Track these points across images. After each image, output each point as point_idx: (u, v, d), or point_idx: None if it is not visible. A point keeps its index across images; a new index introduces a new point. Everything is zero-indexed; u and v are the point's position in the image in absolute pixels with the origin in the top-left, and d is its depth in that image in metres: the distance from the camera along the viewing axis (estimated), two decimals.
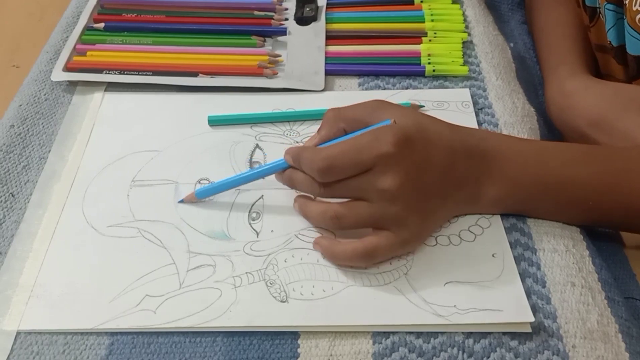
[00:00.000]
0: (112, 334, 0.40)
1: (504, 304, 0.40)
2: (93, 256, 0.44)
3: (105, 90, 0.56)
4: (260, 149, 0.51)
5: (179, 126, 0.53)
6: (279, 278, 0.42)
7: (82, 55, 0.59)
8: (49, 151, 0.51)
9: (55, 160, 0.50)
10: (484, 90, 0.57)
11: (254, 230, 0.45)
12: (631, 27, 0.50)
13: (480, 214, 0.45)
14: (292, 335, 0.39)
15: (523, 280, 0.42)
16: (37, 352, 0.39)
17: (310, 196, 0.44)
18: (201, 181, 0.49)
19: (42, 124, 0.53)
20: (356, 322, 0.39)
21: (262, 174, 0.45)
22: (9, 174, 0.49)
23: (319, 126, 0.52)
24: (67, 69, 0.57)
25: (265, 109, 0.54)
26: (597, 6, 0.53)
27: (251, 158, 0.50)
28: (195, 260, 0.43)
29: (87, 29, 0.61)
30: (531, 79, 0.63)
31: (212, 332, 0.40)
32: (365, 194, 0.40)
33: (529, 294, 0.41)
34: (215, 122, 0.53)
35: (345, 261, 0.41)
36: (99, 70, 0.57)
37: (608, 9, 0.51)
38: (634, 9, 0.49)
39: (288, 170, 0.44)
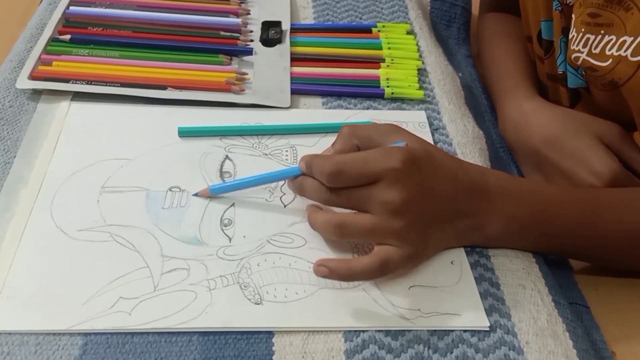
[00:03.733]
0: (86, 334, 0.39)
1: (463, 308, 0.43)
2: (64, 259, 0.43)
3: (71, 100, 0.57)
4: (230, 160, 0.53)
5: (149, 136, 0.54)
6: (253, 281, 0.43)
7: (48, 65, 0.59)
8: (14, 156, 0.50)
9: (22, 166, 0.50)
10: (438, 113, 0.61)
11: (227, 235, 0.46)
12: (569, 64, 0.56)
13: (478, 247, 0.47)
14: (266, 334, 0.41)
15: (480, 284, 0.45)
16: (8, 352, 0.38)
17: (320, 207, 0.46)
18: (172, 189, 0.49)
19: (6, 129, 0.53)
20: (328, 324, 0.41)
21: (276, 178, 0.48)
22: None
23: (286, 139, 0.55)
24: (32, 77, 0.57)
25: (234, 123, 0.56)
26: (553, 39, 0.59)
27: (221, 168, 0.52)
28: (169, 264, 0.44)
29: (53, 40, 0.61)
30: (478, 106, 0.68)
31: (188, 332, 0.40)
32: (370, 206, 0.42)
33: (485, 296, 0.44)
34: (186, 133, 0.54)
35: (363, 277, 0.42)
36: (65, 80, 0.57)
37: (562, 41, 0.57)
38: (572, 47, 0.54)
39: (299, 177, 0.45)
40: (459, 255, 0.47)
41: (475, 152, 0.57)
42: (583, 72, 0.56)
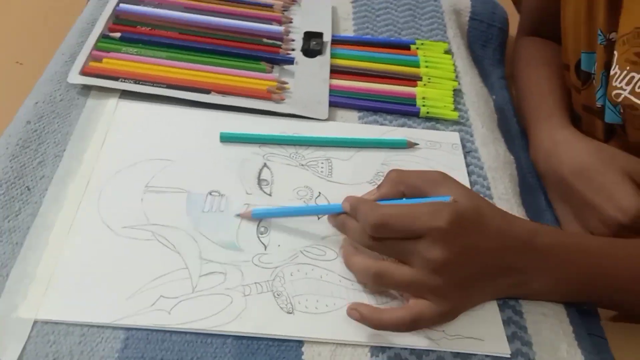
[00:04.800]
0: (128, 329, 0.42)
1: (486, 334, 0.45)
2: (109, 254, 0.46)
3: (119, 98, 0.59)
4: (268, 168, 0.55)
5: (191, 139, 0.56)
6: (286, 290, 0.45)
7: (98, 62, 0.61)
8: (64, 150, 0.53)
9: (70, 160, 0.52)
10: (471, 136, 0.62)
11: (262, 243, 0.48)
12: (608, 100, 0.57)
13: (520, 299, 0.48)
14: (297, 343, 0.43)
15: (503, 310, 0.47)
16: (54, 341, 0.40)
17: (356, 246, 0.46)
18: (212, 193, 0.52)
19: (57, 122, 0.55)
20: (356, 338, 0.43)
21: (318, 212, 0.49)
22: (25, 168, 0.50)
23: (323, 151, 0.57)
24: (83, 72, 0.59)
25: (272, 131, 0.58)
26: (593, 72, 0.60)
27: (259, 176, 0.54)
28: (207, 267, 0.46)
29: (103, 36, 0.64)
30: (509, 129, 0.69)
31: (223, 334, 0.42)
32: (411, 259, 0.42)
33: (508, 323, 0.46)
34: (227, 138, 0.56)
35: (392, 329, 0.42)
36: (114, 78, 0.59)
37: (604, 75, 0.58)
38: (613, 84, 0.56)
39: (342, 216, 0.46)
40: None
41: (506, 177, 0.58)
42: (622, 110, 0.57)
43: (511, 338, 0.45)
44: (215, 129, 0.57)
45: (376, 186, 0.48)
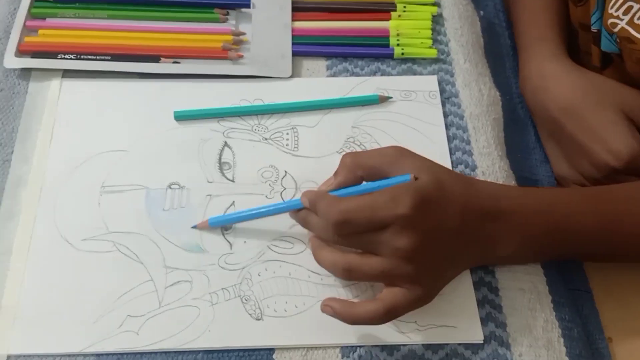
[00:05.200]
0: (99, 354, 0.42)
1: (459, 320, 0.44)
2: (71, 273, 0.45)
3: (62, 77, 0.54)
4: (229, 147, 0.51)
5: (144, 120, 0.52)
6: (254, 294, 0.45)
7: (34, 35, 0.55)
8: (12, 152, 0.50)
9: (20, 164, 0.49)
10: (452, 76, 0.57)
11: (227, 241, 0.47)
12: (604, 27, 0.50)
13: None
14: (267, 351, 0.43)
15: (478, 289, 0.46)
16: None
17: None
18: (172, 186, 0.49)
19: (1, 120, 0.51)
20: (326, 341, 0.43)
21: (277, 212, 0.45)
22: None
23: (287, 119, 0.53)
24: (20, 52, 0.54)
25: (231, 99, 0.53)
26: None
27: (220, 158, 0.51)
28: (172, 276, 0.45)
29: (36, 0, 0.57)
30: (499, 50, 0.63)
31: (193, 350, 0.43)
32: (379, 249, 0.40)
33: (483, 303, 0.45)
34: (182, 117, 0.52)
35: (367, 323, 0.41)
36: (53, 55, 0.54)
37: None
38: (609, 11, 0.48)
39: (303, 212, 0.43)
40: None
41: (489, 124, 0.54)
42: (618, 40, 0.50)
43: (485, 320, 0.44)
44: (169, 103, 0.53)
45: (333, 173, 0.45)
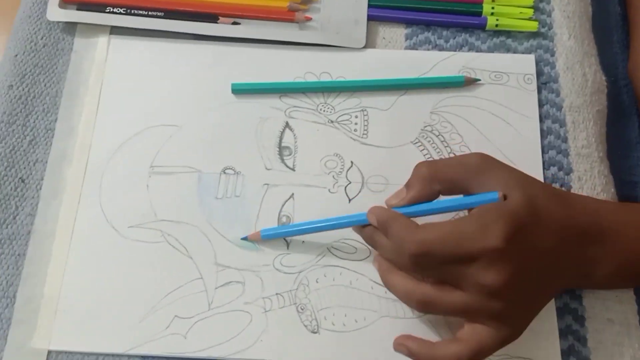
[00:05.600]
0: (144, 356, 0.40)
1: (537, 352, 0.39)
2: (117, 264, 0.42)
3: (110, 34, 0.48)
4: (291, 130, 0.46)
5: (198, 91, 0.47)
6: (310, 302, 0.41)
7: None
8: (55, 120, 0.46)
9: (64, 135, 0.45)
10: (552, 55, 0.48)
11: (284, 239, 0.42)
12: None
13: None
14: None
15: (562, 317, 0.41)
16: None
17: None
18: (226, 170, 0.44)
19: (44, 81, 0.47)
20: None
21: (338, 227, 0.40)
22: (15, 153, 0.44)
23: (357, 98, 0.47)
24: (64, 2, 0.48)
25: (296, 71, 0.47)
26: None
27: (280, 142, 0.45)
28: (224, 276, 0.41)
29: None
30: (607, 22, 0.53)
31: None
32: (462, 284, 0.35)
33: (566, 334, 0.40)
34: (240, 90, 0.46)
35: None
36: (101, 7, 0.48)
37: None
38: None
39: (369, 229, 0.38)
40: None
41: (591, 118, 0.46)
42: None
43: (567, 353, 0.40)
44: (226, 73, 0.47)
45: (405, 184, 0.39)
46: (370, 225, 0.38)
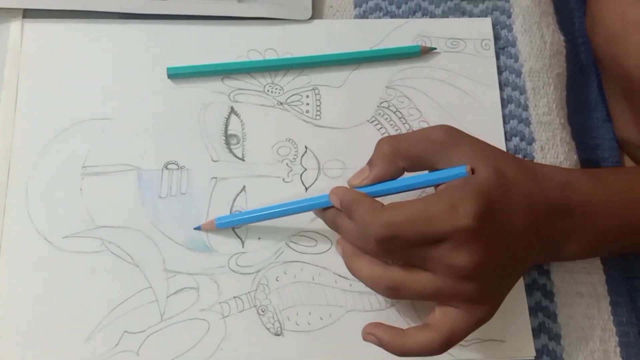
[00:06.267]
0: None
1: (509, 332, 0.38)
2: (54, 279, 0.38)
3: (23, 17, 0.43)
4: (237, 115, 0.42)
5: (130, 79, 0.42)
6: (271, 303, 0.38)
7: None
8: None
9: None
10: (509, 16, 0.46)
11: (239, 237, 0.39)
12: None
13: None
14: None
15: (531, 294, 0.40)
16: None
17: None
18: (168, 166, 0.40)
19: None
20: None
21: (298, 210, 0.36)
22: None
23: (306, 77, 0.43)
24: None
25: (237, 49, 0.43)
26: None
27: (226, 130, 0.41)
28: (175, 282, 0.38)
29: None
30: None
31: None
32: (431, 266, 0.33)
33: (536, 311, 0.39)
34: (177, 74, 0.42)
35: (421, 355, 0.34)
36: None
37: None
38: None
39: (332, 211, 0.36)
40: None
41: (551, 83, 0.44)
42: None
43: (537, 331, 0.39)
44: (160, 56, 0.42)
45: (367, 162, 0.36)
46: (332, 207, 0.35)
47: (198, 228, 0.39)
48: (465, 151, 0.34)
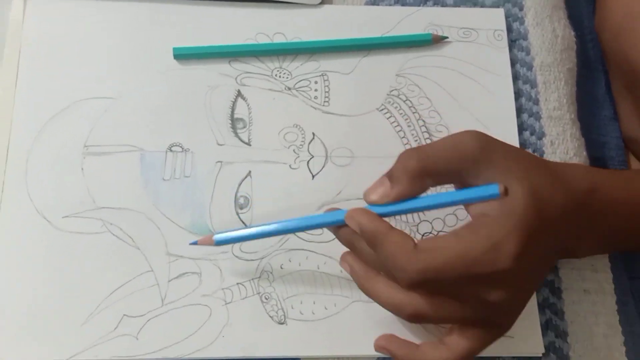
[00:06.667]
0: None
1: (517, 329, 0.37)
2: (52, 260, 0.37)
3: None
4: (243, 99, 0.41)
5: (136, 58, 0.41)
6: (275, 291, 0.37)
7: None
8: None
9: None
10: (520, 9, 0.45)
11: (243, 223, 0.38)
12: None
13: None
14: None
15: (539, 291, 0.39)
16: None
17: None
18: (172, 148, 0.39)
19: None
20: (360, 352, 0.36)
21: (308, 228, 0.34)
22: None
23: (315, 62, 0.43)
24: None
25: (245, 32, 0.42)
26: None
27: (232, 113, 0.40)
28: (177, 266, 0.37)
29: None
30: None
31: (205, 359, 0.36)
32: (462, 297, 0.31)
33: (544, 307, 0.39)
34: (183, 55, 0.41)
35: None
36: None
37: None
38: None
39: (349, 232, 0.33)
40: None
41: (562, 78, 0.44)
42: None
43: (545, 328, 0.38)
44: (167, 36, 0.41)
45: (385, 174, 0.33)
46: (347, 226, 0.33)
47: (194, 243, 0.36)
48: (497, 165, 0.32)
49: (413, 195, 0.33)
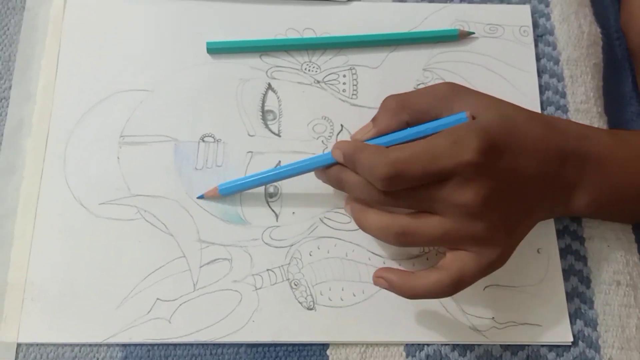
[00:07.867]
0: (125, 345, 0.36)
1: (544, 317, 0.38)
2: (88, 245, 0.38)
3: None
4: (274, 92, 0.42)
5: (170, 51, 0.42)
6: (304, 277, 0.38)
7: None
8: (10, 87, 0.41)
9: (20, 103, 0.40)
10: (547, 5, 0.46)
11: (273, 211, 0.39)
12: None
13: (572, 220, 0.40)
14: (320, 346, 0.37)
15: (568, 279, 0.39)
16: None
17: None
18: (205, 138, 0.40)
19: None
20: (388, 338, 0.37)
21: (300, 170, 0.37)
22: None
23: (344, 56, 0.44)
24: None
25: (276, 27, 0.43)
26: None
27: (263, 106, 0.42)
28: (208, 252, 0.38)
29: None
30: None
31: (235, 343, 0.37)
32: (438, 207, 0.33)
33: (572, 296, 0.39)
34: (216, 49, 0.42)
35: (429, 296, 0.34)
36: None
37: None
38: None
39: (335, 168, 0.36)
40: (548, 241, 0.39)
41: (588, 72, 0.44)
42: None
43: (574, 317, 0.38)
44: (200, 31, 0.43)
45: (372, 118, 0.37)
46: (335, 164, 0.36)
47: (201, 197, 0.39)
48: (469, 102, 0.35)
49: (392, 130, 0.36)
